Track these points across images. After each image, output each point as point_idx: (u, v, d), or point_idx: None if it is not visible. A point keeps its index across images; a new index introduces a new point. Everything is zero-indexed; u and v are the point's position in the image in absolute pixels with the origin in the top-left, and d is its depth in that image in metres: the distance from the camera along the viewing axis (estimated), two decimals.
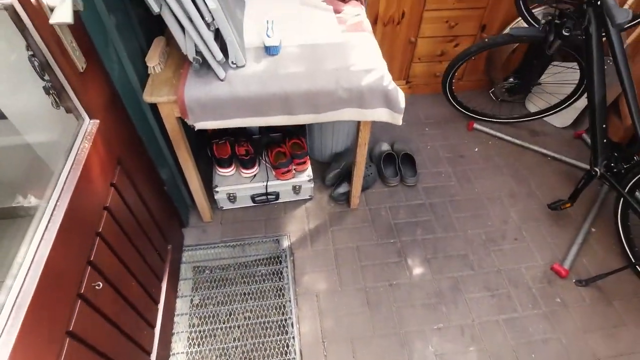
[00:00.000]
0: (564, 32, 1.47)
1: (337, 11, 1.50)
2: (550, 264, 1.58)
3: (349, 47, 1.32)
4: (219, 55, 1.13)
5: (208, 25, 1.13)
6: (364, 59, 1.27)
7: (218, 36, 1.20)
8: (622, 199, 1.52)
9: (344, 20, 1.46)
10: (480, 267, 1.57)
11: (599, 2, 1.25)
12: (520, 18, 1.98)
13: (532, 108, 2.15)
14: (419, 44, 2.06)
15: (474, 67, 2.25)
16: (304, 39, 1.34)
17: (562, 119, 2.10)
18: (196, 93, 1.15)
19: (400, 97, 1.23)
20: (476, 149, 2.03)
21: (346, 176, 1.78)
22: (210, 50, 1.11)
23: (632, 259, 1.51)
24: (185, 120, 1.19)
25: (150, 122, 1.30)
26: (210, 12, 1.09)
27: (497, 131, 2.10)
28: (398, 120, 1.27)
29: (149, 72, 1.22)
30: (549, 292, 1.50)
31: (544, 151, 2.00)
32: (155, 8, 1.01)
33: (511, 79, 1.86)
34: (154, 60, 1.21)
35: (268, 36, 1.24)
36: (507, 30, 1.79)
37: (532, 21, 1.77)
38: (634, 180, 1.42)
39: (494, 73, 2.21)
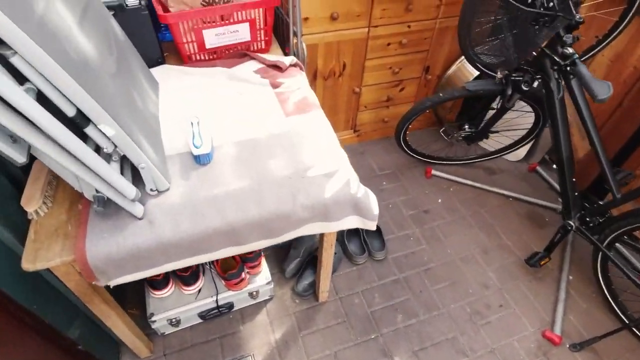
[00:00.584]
0: (522, 86, 1.36)
1: (274, 85, 1.24)
2: (540, 330, 1.47)
3: (299, 138, 1.07)
4: (131, 193, 0.82)
5: (108, 157, 0.82)
6: (320, 156, 1.02)
7: (125, 162, 0.88)
8: (600, 252, 1.45)
9: (285, 97, 1.21)
10: (473, 350, 1.41)
11: (568, 69, 1.14)
12: (463, 57, 1.89)
13: (487, 147, 2.07)
14: (364, 93, 1.88)
15: None
16: (240, 133, 1.07)
17: (515, 153, 2.05)
18: (104, 248, 0.82)
19: (373, 203, 1.01)
20: (439, 200, 1.89)
21: (309, 263, 1.53)
22: (116, 190, 0.80)
23: (625, 320, 1.44)
24: (93, 282, 0.86)
25: (44, 278, 0.95)
26: (110, 139, 0.78)
27: (455, 175, 1.98)
28: (371, 226, 1.05)
29: (29, 217, 0.87)
30: None
31: (505, 192, 1.92)
32: (21, 158, 0.68)
33: (466, 127, 1.75)
34: (34, 200, 0.86)
35: (196, 146, 0.95)
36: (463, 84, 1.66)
37: (481, 68, 1.67)
38: (612, 236, 1.35)
39: (442, 113, 2.10)
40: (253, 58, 1.35)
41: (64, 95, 0.68)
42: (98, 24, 0.92)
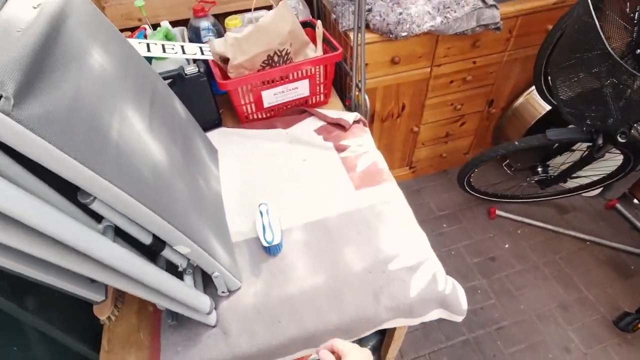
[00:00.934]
0: (618, 138, 1.20)
1: (339, 149, 1.15)
2: None
3: (373, 218, 0.98)
4: (206, 307, 0.76)
5: (182, 273, 0.76)
6: (400, 242, 0.93)
7: (196, 270, 0.82)
8: None
9: (352, 163, 1.12)
10: None
11: None
12: (532, 88, 1.73)
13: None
14: (422, 131, 1.76)
15: (482, 141, 1.97)
16: (309, 212, 0.99)
17: None
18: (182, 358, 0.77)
19: (462, 298, 0.91)
20: (506, 245, 1.74)
21: None
22: (191, 307, 0.74)
23: None
24: None
25: None
26: (184, 256, 0.72)
27: (522, 215, 1.83)
28: (458, 319, 0.94)
29: (102, 322, 0.83)
30: None
31: (581, 235, 1.75)
32: (99, 297, 0.63)
33: (539, 170, 1.59)
34: (106, 308, 0.82)
35: (267, 241, 0.88)
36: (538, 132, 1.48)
37: (551, 99, 1.51)
38: None
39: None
40: (312, 114, 1.27)
41: (141, 226, 0.63)
42: (165, 113, 0.87)
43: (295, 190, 1.06)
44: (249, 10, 1.43)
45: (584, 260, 1.68)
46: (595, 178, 1.67)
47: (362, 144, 1.18)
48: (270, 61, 1.15)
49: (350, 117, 1.23)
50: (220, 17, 1.38)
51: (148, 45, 1.14)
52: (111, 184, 0.53)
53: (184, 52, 1.16)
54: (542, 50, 1.35)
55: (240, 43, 1.04)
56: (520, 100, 1.76)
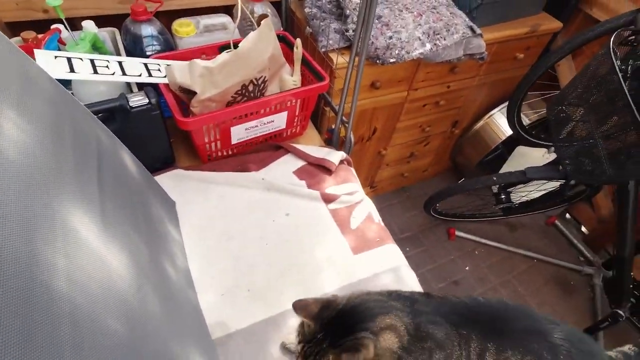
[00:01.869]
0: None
1: (327, 199, 0.98)
2: None
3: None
4: None
5: None
6: None
7: None
8: None
9: (345, 219, 0.95)
10: None
11: None
12: (492, 112, 1.73)
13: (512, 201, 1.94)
14: (389, 152, 1.65)
15: (440, 159, 1.95)
16: (304, 289, 0.81)
17: None
18: None
19: None
20: (467, 268, 1.75)
21: None
22: None
23: None
24: None
25: None
26: None
27: (478, 235, 1.85)
28: None
29: None
30: None
31: (530, 254, 1.83)
32: None
33: (503, 197, 1.59)
34: None
35: None
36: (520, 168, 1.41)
37: (519, 129, 1.51)
38: None
39: (465, 163, 1.94)
40: (290, 151, 1.07)
41: None
42: (116, 183, 0.61)
43: (284, 259, 0.86)
44: (200, 9, 1.15)
45: (533, 278, 1.77)
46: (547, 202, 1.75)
47: (352, 191, 1.02)
48: (245, 91, 0.91)
49: (335, 157, 1.05)
50: (162, 17, 1.08)
51: (70, 61, 0.82)
52: None
53: (124, 73, 0.86)
54: (524, 82, 1.31)
55: (213, 74, 0.79)
56: (481, 122, 1.75)
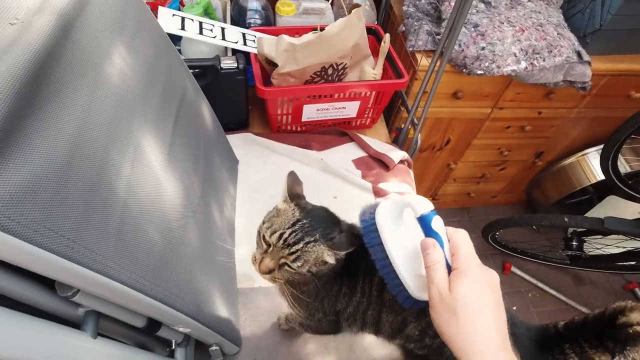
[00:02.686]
0: None
1: (378, 193, 1.00)
2: None
3: None
4: None
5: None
6: None
7: (191, 342, 0.68)
8: None
9: None
10: None
11: None
12: (587, 151, 1.57)
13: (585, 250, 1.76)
14: (459, 167, 1.59)
15: (514, 188, 1.82)
16: None
17: None
18: None
19: None
20: (514, 307, 1.63)
21: None
22: None
23: None
24: None
25: None
26: (182, 333, 0.57)
27: (537, 277, 1.71)
28: None
29: None
30: None
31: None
32: None
33: (574, 243, 1.45)
34: None
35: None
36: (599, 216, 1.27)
37: (611, 175, 1.35)
38: None
39: (541, 200, 1.79)
40: (354, 140, 1.10)
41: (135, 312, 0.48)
42: (190, 129, 0.70)
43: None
44: None
45: None
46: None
47: (405, 192, 1.02)
48: (324, 73, 0.96)
49: (396, 155, 1.06)
50: None
51: (183, 20, 0.94)
52: (104, 277, 0.37)
53: (223, 38, 0.96)
54: (624, 127, 1.18)
55: (296, 50, 0.85)
56: (572, 159, 1.60)
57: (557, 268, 1.75)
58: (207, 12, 1.05)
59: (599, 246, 1.43)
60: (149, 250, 0.47)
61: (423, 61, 1.07)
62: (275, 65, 0.89)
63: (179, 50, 1.07)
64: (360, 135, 1.10)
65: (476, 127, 1.39)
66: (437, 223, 0.43)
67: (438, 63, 0.92)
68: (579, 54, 1.10)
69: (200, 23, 0.96)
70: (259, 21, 1.06)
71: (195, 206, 0.67)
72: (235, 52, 0.98)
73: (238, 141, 1.04)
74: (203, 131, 0.77)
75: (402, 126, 1.11)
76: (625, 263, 1.48)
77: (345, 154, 1.07)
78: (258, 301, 0.80)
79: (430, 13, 1.13)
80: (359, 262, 0.56)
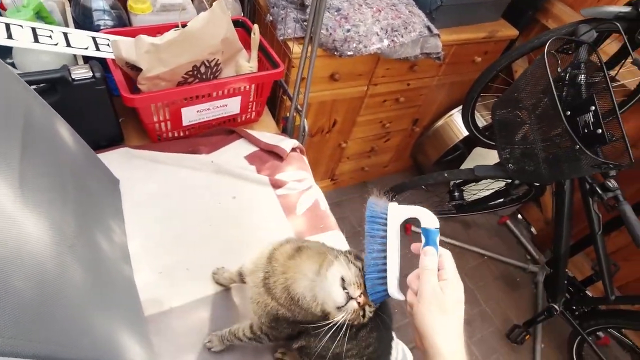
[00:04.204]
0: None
1: (276, 185, 0.99)
2: None
3: None
4: None
5: None
6: None
7: None
8: (579, 336, 1.48)
9: (292, 204, 0.97)
10: None
11: (606, 200, 1.05)
12: (452, 112, 1.79)
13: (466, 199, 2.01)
14: (350, 146, 1.68)
15: (401, 156, 2.00)
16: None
17: None
18: None
19: None
20: None
21: None
22: None
23: None
24: None
25: None
26: None
27: None
28: None
29: None
30: None
31: (481, 251, 1.91)
32: None
33: (456, 194, 1.66)
34: None
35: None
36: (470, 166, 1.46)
37: (473, 129, 1.58)
38: (596, 327, 1.38)
39: (422, 159, 2.00)
40: (243, 136, 1.07)
41: None
42: (46, 154, 0.60)
43: (225, 240, 0.87)
44: None
45: (483, 274, 1.85)
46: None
47: (302, 178, 1.04)
48: (196, 72, 0.91)
49: (287, 144, 1.07)
50: None
51: (8, 28, 0.79)
52: None
53: (68, 45, 0.84)
54: (476, 84, 1.37)
55: (160, 51, 0.78)
56: (441, 122, 1.81)
57: (448, 218, 1.99)
58: (41, 16, 0.90)
59: (474, 192, 1.66)
60: (17, 304, 0.40)
61: (295, 48, 1.09)
62: (139, 69, 0.81)
63: (12, 65, 0.91)
64: (248, 131, 1.08)
65: (357, 105, 1.47)
66: (437, 240, 0.50)
67: (309, 49, 0.94)
68: (429, 29, 1.23)
69: (34, 29, 0.82)
70: (110, 22, 0.96)
71: (71, 239, 0.58)
72: (88, 59, 0.86)
73: (115, 158, 0.93)
74: (65, 155, 0.67)
75: (288, 115, 1.12)
76: (495, 202, 1.74)
77: (237, 151, 1.04)
78: (172, 324, 0.74)
79: (294, 0, 1.15)
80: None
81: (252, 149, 1.06)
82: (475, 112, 1.56)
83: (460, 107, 1.76)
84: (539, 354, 1.63)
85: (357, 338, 0.63)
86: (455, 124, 1.78)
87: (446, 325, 0.44)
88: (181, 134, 1.03)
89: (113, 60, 0.87)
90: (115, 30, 0.94)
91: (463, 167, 1.94)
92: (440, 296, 0.45)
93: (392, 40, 1.18)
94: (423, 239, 0.50)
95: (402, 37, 1.19)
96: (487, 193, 1.58)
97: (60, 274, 0.50)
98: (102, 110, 0.89)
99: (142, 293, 0.76)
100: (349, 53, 1.14)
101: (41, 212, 0.52)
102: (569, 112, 1.05)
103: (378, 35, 1.16)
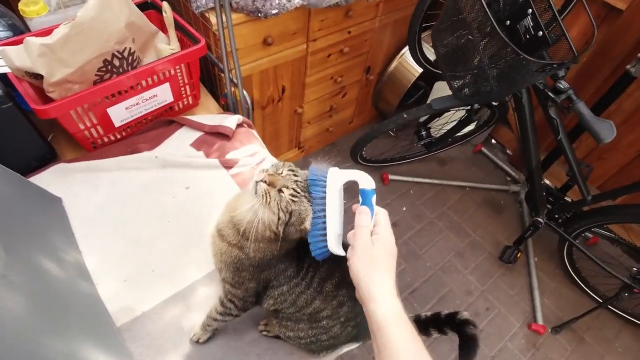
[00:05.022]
0: (493, 102, 1.26)
1: (227, 165, 0.96)
2: (526, 323, 1.54)
3: None
4: None
5: None
6: None
7: None
8: (567, 242, 1.52)
9: (247, 180, 0.94)
10: None
11: (560, 102, 1.03)
12: (403, 51, 1.74)
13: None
14: (306, 110, 1.63)
15: (363, 107, 1.95)
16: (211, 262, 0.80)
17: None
18: None
19: None
20: (404, 208, 1.81)
21: None
22: None
23: (599, 300, 1.56)
24: None
25: None
26: None
27: (411, 175, 1.91)
28: None
29: None
30: (539, 357, 1.47)
31: (461, 183, 1.92)
32: None
33: (423, 133, 1.63)
34: None
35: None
36: (428, 101, 1.43)
37: (425, 64, 1.53)
38: (580, 230, 1.41)
39: (384, 107, 1.96)
40: (183, 124, 1.02)
41: None
42: None
43: (186, 233, 0.84)
44: None
45: (466, 205, 1.86)
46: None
47: (253, 152, 0.99)
48: (110, 67, 0.85)
49: (231, 121, 1.02)
50: None
51: None
52: None
53: None
54: (414, 17, 1.31)
55: (55, 51, 0.72)
56: (394, 64, 1.76)
57: (422, 160, 1.98)
58: None
59: (440, 127, 1.64)
60: None
61: (213, 19, 1.02)
62: (41, 76, 0.74)
63: None
64: (188, 117, 1.02)
65: (302, 66, 1.41)
66: (374, 200, 0.53)
67: (224, 17, 0.88)
68: None
69: None
70: (3, 34, 0.87)
71: (1, 270, 0.54)
72: None
73: (50, 177, 0.88)
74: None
75: (226, 91, 1.07)
76: (463, 132, 1.73)
77: (180, 141, 0.99)
78: (147, 327, 0.72)
79: None
80: (306, 252, 0.58)
81: (197, 134, 1.01)
82: (423, 44, 1.51)
83: None
84: (534, 267, 1.67)
85: (323, 292, 0.62)
86: (409, 63, 1.73)
87: (376, 274, 0.48)
88: (118, 137, 0.97)
89: (15, 75, 0.80)
90: (13, 40, 0.86)
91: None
92: (370, 249, 0.49)
93: None
94: (360, 199, 0.53)
95: None
96: (451, 125, 1.56)
97: None
98: (19, 129, 0.82)
99: (109, 305, 0.73)
100: (273, 12, 1.07)
101: None
102: (508, 22, 1.02)
103: None
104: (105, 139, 0.95)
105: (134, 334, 0.71)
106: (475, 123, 1.62)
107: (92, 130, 0.90)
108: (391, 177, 1.89)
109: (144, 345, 0.70)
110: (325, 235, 0.54)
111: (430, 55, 1.58)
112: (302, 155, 1.90)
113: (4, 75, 0.80)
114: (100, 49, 0.78)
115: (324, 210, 0.54)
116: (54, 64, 0.72)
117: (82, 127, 0.87)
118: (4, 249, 0.58)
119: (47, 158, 0.91)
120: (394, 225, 1.75)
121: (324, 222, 0.54)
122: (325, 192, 0.54)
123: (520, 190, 1.88)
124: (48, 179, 0.87)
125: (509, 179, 1.98)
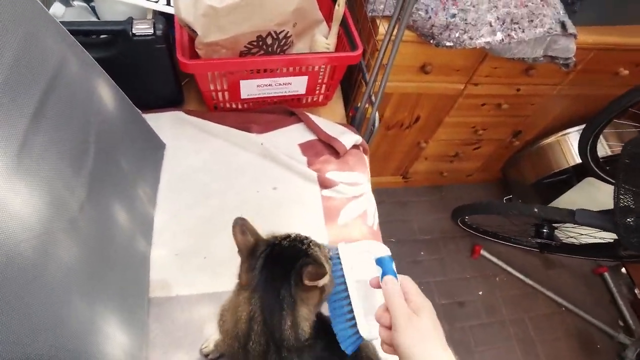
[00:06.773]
0: None
1: (324, 184, 0.88)
2: None
3: None
4: None
5: None
6: None
7: None
8: None
9: (336, 210, 0.85)
10: None
11: None
12: (569, 130, 1.46)
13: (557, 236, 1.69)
14: (430, 146, 1.47)
15: (490, 167, 1.72)
16: None
17: None
18: None
19: None
20: (480, 292, 1.59)
21: None
22: None
23: None
24: None
25: None
26: None
27: (506, 260, 1.65)
28: None
29: None
30: None
31: (558, 299, 1.61)
32: None
33: (544, 231, 1.37)
34: None
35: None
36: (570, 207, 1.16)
37: (589, 158, 1.25)
38: None
39: (518, 180, 1.70)
40: (302, 120, 0.96)
41: None
42: (69, 112, 0.56)
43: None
44: None
45: (553, 326, 1.56)
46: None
47: (355, 182, 0.90)
48: (262, 44, 0.81)
49: (349, 139, 0.93)
50: None
51: None
52: None
53: None
54: (607, 109, 1.06)
55: (218, 16, 0.69)
56: (551, 139, 1.49)
57: (528, 251, 1.70)
58: None
59: (571, 234, 1.36)
60: None
61: (382, 28, 0.92)
62: (196, 33, 0.73)
63: (93, 9, 0.90)
64: (310, 116, 0.96)
65: (448, 104, 1.26)
66: (394, 267, 0.48)
67: (395, 30, 0.77)
68: (563, 25, 0.96)
69: None
70: None
71: (75, 213, 0.54)
72: (159, 14, 0.81)
73: (167, 121, 0.90)
74: (97, 116, 0.63)
75: (359, 104, 0.98)
76: (597, 253, 1.42)
77: (291, 137, 0.94)
78: (174, 313, 0.70)
79: None
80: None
81: (309, 137, 0.95)
82: (601, 137, 1.24)
83: (582, 126, 1.42)
84: None
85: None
86: (569, 146, 1.45)
87: (434, 351, 0.41)
88: (239, 107, 0.96)
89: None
90: None
91: (568, 195, 1.61)
92: (415, 321, 0.42)
93: (508, 35, 0.94)
94: (379, 269, 0.48)
95: (522, 32, 0.94)
96: (591, 241, 1.28)
97: (41, 255, 0.46)
98: (161, 70, 0.84)
99: (153, 271, 0.73)
100: (447, 44, 0.94)
101: (39, 184, 0.48)
102: None
103: (491, 26, 0.93)
104: (227, 105, 0.94)
105: (160, 313, 0.70)
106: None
107: (220, 94, 0.89)
108: (483, 252, 1.66)
109: (162, 330, 0.69)
110: (352, 319, 0.48)
111: (601, 151, 1.30)
112: (403, 185, 1.76)
113: (171, 17, 0.81)
114: (260, 25, 0.74)
115: (346, 290, 0.49)
116: (212, 26, 0.70)
117: (212, 87, 0.86)
118: (88, 188, 0.58)
119: (174, 102, 0.93)
120: (459, 304, 1.56)
121: (349, 304, 0.49)
122: (342, 270, 0.51)
123: (630, 346, 1.51)
124: (163, 122, 0.89)
125: (621, 324, 1.61)
